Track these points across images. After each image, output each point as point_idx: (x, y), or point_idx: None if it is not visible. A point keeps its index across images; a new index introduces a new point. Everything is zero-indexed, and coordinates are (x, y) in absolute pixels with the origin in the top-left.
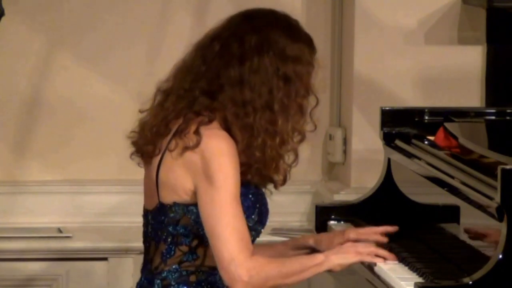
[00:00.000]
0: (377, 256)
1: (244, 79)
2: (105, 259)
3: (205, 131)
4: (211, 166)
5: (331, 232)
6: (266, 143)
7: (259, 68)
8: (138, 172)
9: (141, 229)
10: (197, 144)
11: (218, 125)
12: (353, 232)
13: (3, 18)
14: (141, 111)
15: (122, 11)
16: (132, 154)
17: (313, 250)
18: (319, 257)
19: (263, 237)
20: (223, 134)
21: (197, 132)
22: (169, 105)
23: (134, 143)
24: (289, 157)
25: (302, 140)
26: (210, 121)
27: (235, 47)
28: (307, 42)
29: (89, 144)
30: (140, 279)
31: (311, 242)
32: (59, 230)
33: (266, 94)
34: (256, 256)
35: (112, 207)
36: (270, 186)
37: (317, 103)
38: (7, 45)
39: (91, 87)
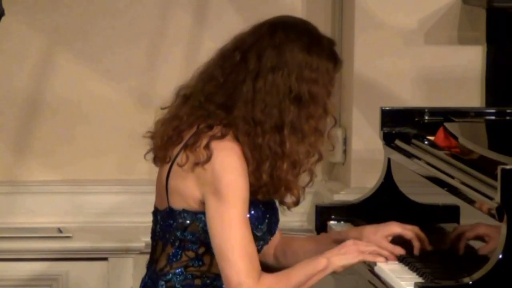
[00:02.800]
0: (379, 255)
1: (256, 98)
2: (105, 259)
3: (215, 145)
4: (221, 182)
5: (374, 226)
6: (275, 166)
7: (271, 88)
8: (138, 172)
9: (141, 229)
10: (207, 160)
11: (231, 138)
12: (399, 226)
13: (3, 18)
14: (162, 109)
15: (122, 11)
16: (146, 153)
17: None
18: (321, 262)
19: None
20: (235, 148)
21: (207, 147)
22: (183, 115)
23: (152, 138)
24: (303, 179)
25: (319, 160)
26: (222, 136)
27: (253, 63)
28: (330, 60)
29: (89, 144)
30: (145, 277)
31: (353, 235)
32: (59, 230)
33: (276, 115)
34: (264, 277)
35: (112, 207)
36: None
37: (335, 123)
38: (7, 45)
39: (91, 87)
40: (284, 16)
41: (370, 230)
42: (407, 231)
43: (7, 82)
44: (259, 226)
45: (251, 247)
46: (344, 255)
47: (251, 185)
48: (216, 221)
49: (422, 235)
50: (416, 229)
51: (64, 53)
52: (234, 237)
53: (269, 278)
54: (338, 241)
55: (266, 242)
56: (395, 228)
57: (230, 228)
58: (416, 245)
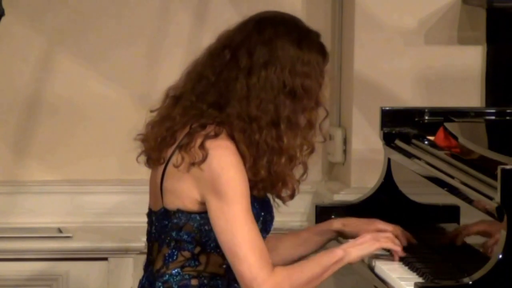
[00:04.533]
0: (395, 243)
1: (250, 95)
2: (105, 259)
3: (210, 145)
4: (220, 181)
5: (358, 219)
6: (272, 161)
7: (265, 83)
8: (138, 172)
9: (141, 229)
10: (203, 160)
11: (225, 136)
12: (382, 223)
13: (3, 18)
14: (151, 111)
15: (122, 11)
16: (138, 156)
17: (338, 234)
18: (338, 253)
19: None
20: (229, 146)
21: (202, 147)
22: (175, 115)
23: (143, 142)
24: (297, 171)
25: (311, 152)
26: (216, 135)
27: (244, 60)
28: (319, 52)
29: (89, 144)
30: (142, 278)
31: (336, 226)
32: (59, 230)
33: (272, 111)
34: (277, 269)
35: (112, 207)
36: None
37: (327, 115)
38: (7, 45)
39: (91, 87)
40: (268, 12)
41: (353, 222)
42: (390, 227)
43: (7, 82)
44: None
45: (259, 240)
46: (361, 245)
47: (249, 181)
48: (220, 220)
49: (405, 233)
50: (398, 227)
51: (64, 53)
52: (241, 232)
53: (282, 270)
54: (321, 232)
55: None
56: (378, 224)
57: (236, 225)
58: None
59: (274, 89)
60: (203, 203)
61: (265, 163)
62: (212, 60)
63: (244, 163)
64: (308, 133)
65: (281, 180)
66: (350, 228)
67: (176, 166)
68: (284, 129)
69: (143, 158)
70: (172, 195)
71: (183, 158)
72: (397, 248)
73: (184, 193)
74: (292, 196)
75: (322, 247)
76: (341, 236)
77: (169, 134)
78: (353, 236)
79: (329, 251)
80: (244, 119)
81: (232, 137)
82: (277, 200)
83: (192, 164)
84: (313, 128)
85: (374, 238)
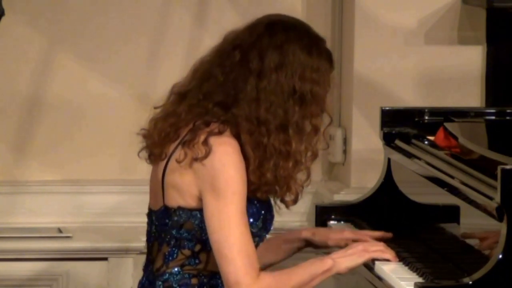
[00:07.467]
0: (386, 253)
1: (260, 97)
2: (105, 259)
3: (214, 141)
4: (220, 178)
5: (328, 228)
6: (279, 165)
7: (276, 87)
8: (138, 172)
9: (141, 229)
10: (206, 156)
11: (229, 134)
12: (351, 232)
13: (3, 18)
14: (155, 108)
15: (122, 11)
16: (140, 151)
17: (306, 243)
18: (327, 263)
19: None
20: (233, 144)
21: (206, 143)
22: (181, 112)
23: (145, 137)
24: (301, 177)
25: (314, 158)
26: (220, 132)
27: (255, 62)
28: (327, 60)
29: (89, 144)
30: (142, 278)
31: (305, 234)
32: (59, 230)
33: (281, 115)
34: (262, 275)
35: (112, 207)
36: (279, 201)
37: (331, 121)
38: (7, 45)
39: (91, 87)
40: (278, 15)
41: (322, 231)
42: (360, 235)
43: (7, 82)
44: (255, 223)
45: (250, 244)
46: (350, 256)
47: (252, 184)
48: (214, 219)
49: (376, 234)
50: (368, 232)
51: (64, 53)
52: (233, 234)
53: (268, 276)
54: (290, 241)
55: (261, 239)
56: (347, 233)
57: (229, 226)
58: None
59: (284, 93)
60: (202, 199)
61: (271, 167)
62: (221, 59)
63: (247, 165)
64: (313, 139)
65: (286, 184)
66: (318, 237)
67: (179, 162)
68: (292, 134)
69: (144, 154)
70: (173, 190)
71: (186, 154)
72: (388, 256)
73: (184, 189)
74: (295, 201)
75: (291, 255)
76: (311, 246)
77: (173, 130)
78: (322, 245)
79: (319, 259)
80: (252, 121)
81: (235, 137)
82: (279, 203)
83: (195, 159)
84: (318, 134)
85: (364, 249)
